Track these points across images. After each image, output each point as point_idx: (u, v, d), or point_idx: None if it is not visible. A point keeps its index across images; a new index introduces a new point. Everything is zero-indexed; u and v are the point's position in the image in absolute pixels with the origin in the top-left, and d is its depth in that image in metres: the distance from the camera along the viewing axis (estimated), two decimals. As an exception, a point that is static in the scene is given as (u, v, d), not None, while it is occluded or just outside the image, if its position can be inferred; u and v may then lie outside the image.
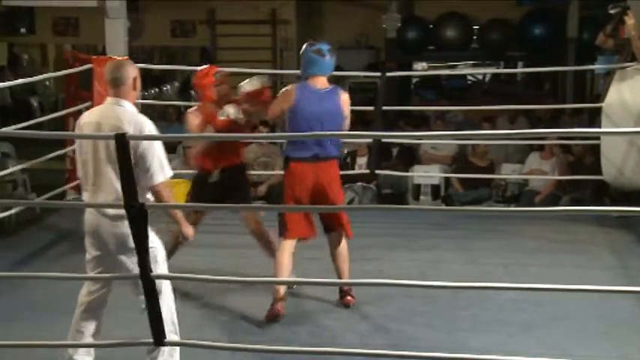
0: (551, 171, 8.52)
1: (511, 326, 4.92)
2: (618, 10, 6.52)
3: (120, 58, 6.21)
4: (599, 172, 6.97)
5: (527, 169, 8.74)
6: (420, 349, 4.39)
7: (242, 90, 5.41)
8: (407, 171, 9.06)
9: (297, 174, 5.03)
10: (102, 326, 4.20)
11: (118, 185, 3.85)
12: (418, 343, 4.63)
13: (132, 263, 3.93)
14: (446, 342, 4.69)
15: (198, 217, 5.52)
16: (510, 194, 8.70)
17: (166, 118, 11.84)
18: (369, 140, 8.13)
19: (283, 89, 5.13)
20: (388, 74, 8.06)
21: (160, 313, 3.66)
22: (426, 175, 9.04)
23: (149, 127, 3.96)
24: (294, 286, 5.45)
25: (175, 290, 4.24)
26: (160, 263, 4.03)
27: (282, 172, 5.38)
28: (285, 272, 5.04)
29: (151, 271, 3.63)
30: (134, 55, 9.45)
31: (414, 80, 17.02)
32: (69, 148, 7.53)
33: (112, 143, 3.79)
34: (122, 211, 3.78)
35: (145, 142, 3.88)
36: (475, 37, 14.96)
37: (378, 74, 7.93)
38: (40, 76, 9.45)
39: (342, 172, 5.43)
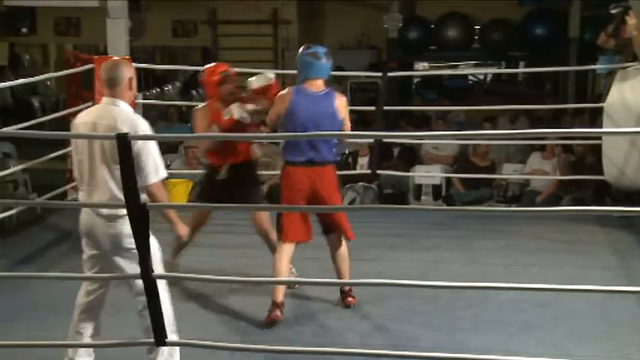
0: (552, 171, 8.51)
1: (511, 326, 4.92)
2: (620, 10, 6.53)
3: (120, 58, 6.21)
4: (600, 172, 6.98)
5: (528, 169, 8.74)
6: (420, 349, 4.40)
7: (250, 86, 5.37)
8: (408, 171, 9.05)
9: (292, 178, 4.99)
10: (101, 327, 4.20)
11: (112, 185, 3.86)
12: (418, 343, 4.63)
13: (126, 263, 3.93)
14: (446, 342, 4.69)
15: (206, 215, 5.53)
16: (511, 194, 8.70)
17: (168, 118, 11.84)
18: (371, 140, 8.14)
19: (279, 93, 5.08)
20: (389, 74, 8.07)
21: (162, 313, 3.65)
22: (428, 175, 9.05)
23: (143, 127, 3.93)
24: (295, 286, 5.45)
25: (177, 290, 4.24)
26: (155, 264, 4.02)
27: (281, 173, 5.37)
28: (283, 278, 5.01)
29: (152, 271, 3.62)
30: (135, 55, 9.46)
31: (416, 80, 17.01)
32: (70, 148, 7.51)
33: (107, 143, 3.79)
34: (117, 211, 3.77)
35: (139, 142, 3.86)
36: (476, 37, 14.93)
37: (380, 74, 7.92)
38: (42, 76, 9.48)
39: (343, 172, 5.42)
